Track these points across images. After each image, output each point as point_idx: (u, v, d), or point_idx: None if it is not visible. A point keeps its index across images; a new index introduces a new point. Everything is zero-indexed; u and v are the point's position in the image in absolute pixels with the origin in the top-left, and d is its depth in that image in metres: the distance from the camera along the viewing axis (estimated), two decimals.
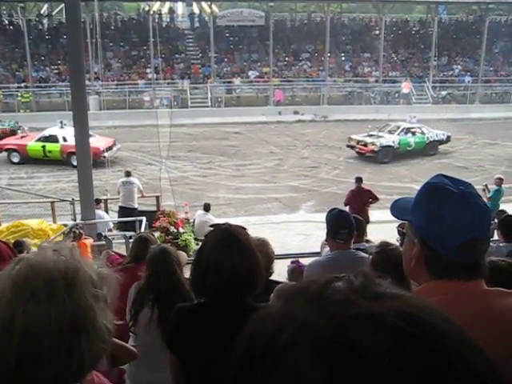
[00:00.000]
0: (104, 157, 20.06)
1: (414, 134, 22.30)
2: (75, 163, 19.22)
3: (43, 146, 20.89)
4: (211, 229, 2.27)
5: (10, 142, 21.75)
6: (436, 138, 22.61)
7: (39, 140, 21.12)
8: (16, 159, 21.23)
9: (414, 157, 21.61)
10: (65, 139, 20.65)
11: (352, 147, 21.82)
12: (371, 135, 22.00)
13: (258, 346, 0.56)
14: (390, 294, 0.58)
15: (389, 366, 0.49)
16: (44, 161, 20.75)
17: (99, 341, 1.20)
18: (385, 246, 3.24)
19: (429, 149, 22.24)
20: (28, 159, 20.88)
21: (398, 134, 21.98)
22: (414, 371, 0.49)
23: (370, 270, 0.64)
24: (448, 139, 22.99)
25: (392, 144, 21.49)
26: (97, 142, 20.79)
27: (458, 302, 1.39)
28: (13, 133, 24.22)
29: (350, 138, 22.08)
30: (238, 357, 0.58)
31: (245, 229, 2.27)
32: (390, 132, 22.43)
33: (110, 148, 20.82)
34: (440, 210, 1.42)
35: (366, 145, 21.29)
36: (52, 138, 21.05)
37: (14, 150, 21.25)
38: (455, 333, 0.55)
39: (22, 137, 22.11)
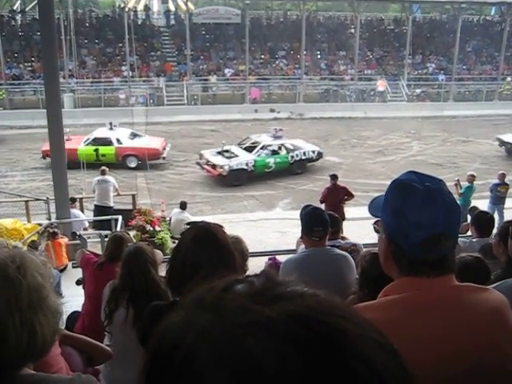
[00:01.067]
0: (164, 158, 20.39)
1: (275, 152, 19.58)
2: (132, 165, 19.66)
3: (96, 150, 19.78)
4: (188, 226, 2.26)
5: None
6: (303, 157, 19.80)
7: (89, 143, 19.98)
8: None
9: (276, 177, 19.07)
10: (119, 141, 20.17)
11: (200, 166, 19.23)
12: (225, 152, 19.21)
13: (161, 358, 0.56)
14: (287, 296, 0.57)
15: (284, 373, 0.49)
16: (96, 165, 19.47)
17: (53, 317, 1.32)
18: (374, 254, 3.23)
19: (295, 167, 19.65)
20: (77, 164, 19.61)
21: (257, 153, 19.08)
22: (310, 378, 0.49)
23: (273, 271, 0.64)
24: (319, 156, 20.27)
25: (245, 167, 18.54)
26: (152, 142, 21.01)
27: (427, 297, 1.41)
28: None
29: (201, 155, 19.49)
30: (146, 368, 0.58)
31: (221, 226, 2.27)
32: (248, 149, 19.54)
33: (164, 148, 20.94)
34: (403, 206, 1.43)
35: (214, 167, 18.44)
36: (104, 141, 20.17)
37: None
38: (356, 332, 0.54)
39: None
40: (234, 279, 0.62)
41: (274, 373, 0.49)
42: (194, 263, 2.06)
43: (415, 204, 1.42)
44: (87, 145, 19.89)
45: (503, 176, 13.81)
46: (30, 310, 1.25)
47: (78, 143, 19.72)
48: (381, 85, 31.85)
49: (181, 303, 0.61)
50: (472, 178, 13.39)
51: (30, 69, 30.65)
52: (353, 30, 35.11)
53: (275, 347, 0.50)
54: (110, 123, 20.94)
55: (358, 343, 0.52)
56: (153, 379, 0.56)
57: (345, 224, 9.82)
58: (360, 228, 10.21)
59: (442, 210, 1.42)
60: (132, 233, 10.59)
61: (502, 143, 22.44)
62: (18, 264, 1.29)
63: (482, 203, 12.76)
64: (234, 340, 0.51)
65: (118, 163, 19.66)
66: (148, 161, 17.80)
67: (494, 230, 5.16)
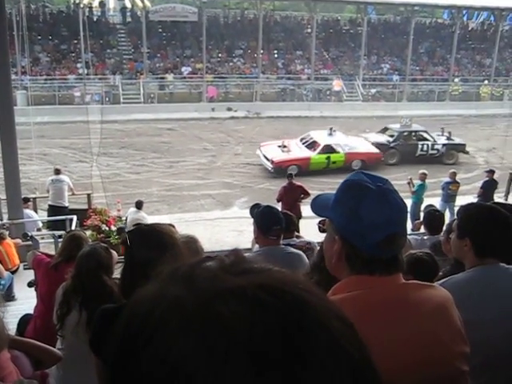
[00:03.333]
0: (382, 160, 20.23)
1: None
2: (355, 168, 18.94)
3: (328, 158, 19.65)
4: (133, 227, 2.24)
5: (294, 157, 19.39)
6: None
7: (321, 151, 19.64)
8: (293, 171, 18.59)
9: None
10: (347, 147, 19.87)
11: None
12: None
13: (132, 328, 0.58)
14: (255, 270, 0.61)
15: (250, 335, 0.52)
16: (323, 172, 19.22)
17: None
18: None
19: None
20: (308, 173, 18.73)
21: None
22: (273, 338, 0.53)
23: (240, 250, 0.69)
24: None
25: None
26: (367, 145, 20.83)
27: (377, 295, 1.43)
28: None
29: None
30: (116, 340, 0.60)
31: (172, 226, 2.26)
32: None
33: None
34: (358, 207, 1.43)
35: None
36: (332, 148, 19.89)
37: (296, 166, 18.94)
38: (318, 303, 0.58)
39: (284, 147, 19.94)
40: (205, 257, 0.65)
41: (240, 335, 0.52)
42: (141, 265, 2.04)
43: (371, 205, 1.42)
44: (319, 153, 19.65)
45: (454, 174, 14.19)
46: None
47: (302, 151, 19.79)
48: (337, 84, 32.19)
49: (154, 278, 0.63)
50: (424, 176, 13.72)
51: None
52: (309, 30, 35.34)
53: (243, 311, 0.54)
54: (331, 128, 20.78)
55: (319, 313, 0.57)
56: (125, 352, 0.57)
57: (301, 222, 9.91)
58: (316, 227, 10.29)
59: (394, 209, 1.45)
60: (87, 232, 10.42)
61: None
62: None
63: (434, 201, 13.05)
64: (205, 305, 0.55)
65: (344, 168, 18.81)
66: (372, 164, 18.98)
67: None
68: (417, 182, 13.63)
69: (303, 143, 20.50)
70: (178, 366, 0.52)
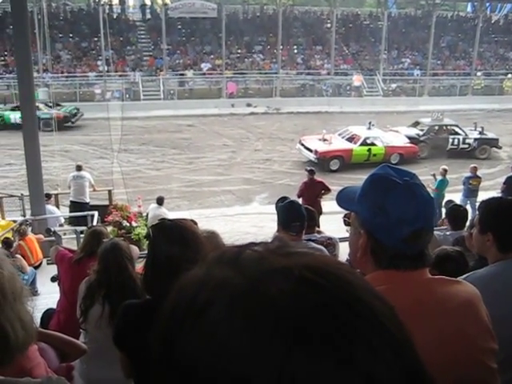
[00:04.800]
0: (419, 156, 20.38)
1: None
2: (394, 162, 19.02)
3: (369, 150, 19.70)
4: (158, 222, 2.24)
5: (337, 148, 19.61)
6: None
7: (362, 143, 19.78)
8: (335, 166, 19.39)
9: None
10: (386, 141, 19.98)
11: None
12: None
13: (179, 311, 0.59)
14: (300, 253, 0.63)
15: (296, 313, 0.53)
16: (364, 165, 18.71)
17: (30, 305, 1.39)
18: None
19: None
20: (349, 166, 19.03)
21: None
22: (320, 317, 0.54)
23: (284, 236, 0.70)
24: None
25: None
26: (403, 139, 20.87)
27: (403, 291, 1.40)
28: (67, 119, 24.00)
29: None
30: (162, 325, 0.61)
31: (195, 223, 2.25)
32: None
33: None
34: (385, 202, 1.41)
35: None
36: (372, 141, 20.00)
37: (338, 157, 19.38)
38: (359, 284, 0.59)
39: (324, 140, 20.02)
40: (249, 242, 0.67)
41: (288, 311, 0.54)
42: (164, 260, 2.05)
43: (398, 200, 1.41)
44: (361, 145, 19.78)
45: (475, 169, 14.03)
46: (15, 301, 1.25)
47: (344, 143, 19.89)
48: (357, 79, 32.02)
49: (200, 263, 0.65)
50: (445, 172, 13.58)
51: (2, 63, 30.16)
52: (329, 25, 35.21)
53: (290, 289, 0.55)
54: (369, 122, 20.80)
55: (362, 292, 0.58)
56: (172, 333, 0.59)
57: (321, 218, 9.87)
58: (336, 222, 10.26)
59: (421, 204, 1.43)
60: (108, 229, 10.50)
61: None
62: None
63: (456, 196, 12.92)
64: (252, 284, 0.56)
65: (384, 162, 19.02)
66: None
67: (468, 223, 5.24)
68: (438, 177, 13.52)
69: (342, 137, 20.63)
70: (226, 343, 0.53)
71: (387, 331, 0.57)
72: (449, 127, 21.77)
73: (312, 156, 19.46)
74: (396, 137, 21.04)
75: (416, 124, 22.63)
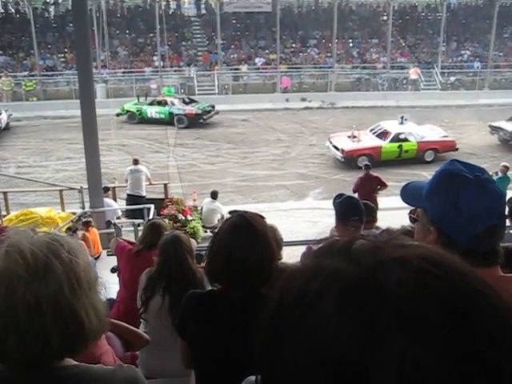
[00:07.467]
0: (457, 149, 19.82)
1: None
2: (429, 159, 19.26)
3: (399, 146, 19.09)
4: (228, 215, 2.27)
5: (364, 146, 19.06)
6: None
7: (392, 140, 19.15)
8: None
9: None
10: (421, 136, 19.63)
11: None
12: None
13: (288, 300, 0.59)
14: (412, 245, 0.63)
15: (417, 302, 0.53)
16: (395, 162, 18.79)
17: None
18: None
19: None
20: (381, 163, 18.10)
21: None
22: (441, 307, 0.53)
23: (393, 228, 0.68)
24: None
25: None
26: (440, 133, 20.63)
27: None
28: (199, 116, 24.18)
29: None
30: (270, 313, 0.60)
31: (262, 217, 2.25)
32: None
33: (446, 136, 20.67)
34: (458, 198, 1.39)
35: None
36: (403, 136, 19.40)
37: (367, 155, 18.40)
38: (474, 276, 0.59)
39: (353, 137, 19.57)
40: (358, 235, 0.67)
41: (407, 301, 0.53)
42: (227, 252, 2.06)
43: (471, 196, 1.38)
44: (391, 141, 19.21)
45: None
46: (90, 290, 1.28)
47: (372, 141, 19.42)
48: (414, 73, 31.34)
49: (304, 255, 0.65)
50: (506, 169, 13.12)
51: (63, 60, 31.09)
52: (385, 18, 34.63)
53: (409, 278, 0.54)
54: (402, 117, 20.22)
55: (479, 285, 0.58)
56: (282, 319, 0.59)
57: (377, 214, 9.71)
58: (393, 218, 10.08)
59: (495, 200, 1.39)
60: None
61: (494, 130, 21.82)
62: (67, 246, 1.29)
63: None
64: (368, 274, 0.55)
65: (417, 158, 19.09)
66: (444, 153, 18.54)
67: None
68: (498, 174, 13.06)
69: (373, 133, 20.07)
70: (339, 333, 0.53)
71: (506, 323, 0.56)
72: None
73: (339, 155, 19.00)
74: (431, 130, 20.38)
75: None
